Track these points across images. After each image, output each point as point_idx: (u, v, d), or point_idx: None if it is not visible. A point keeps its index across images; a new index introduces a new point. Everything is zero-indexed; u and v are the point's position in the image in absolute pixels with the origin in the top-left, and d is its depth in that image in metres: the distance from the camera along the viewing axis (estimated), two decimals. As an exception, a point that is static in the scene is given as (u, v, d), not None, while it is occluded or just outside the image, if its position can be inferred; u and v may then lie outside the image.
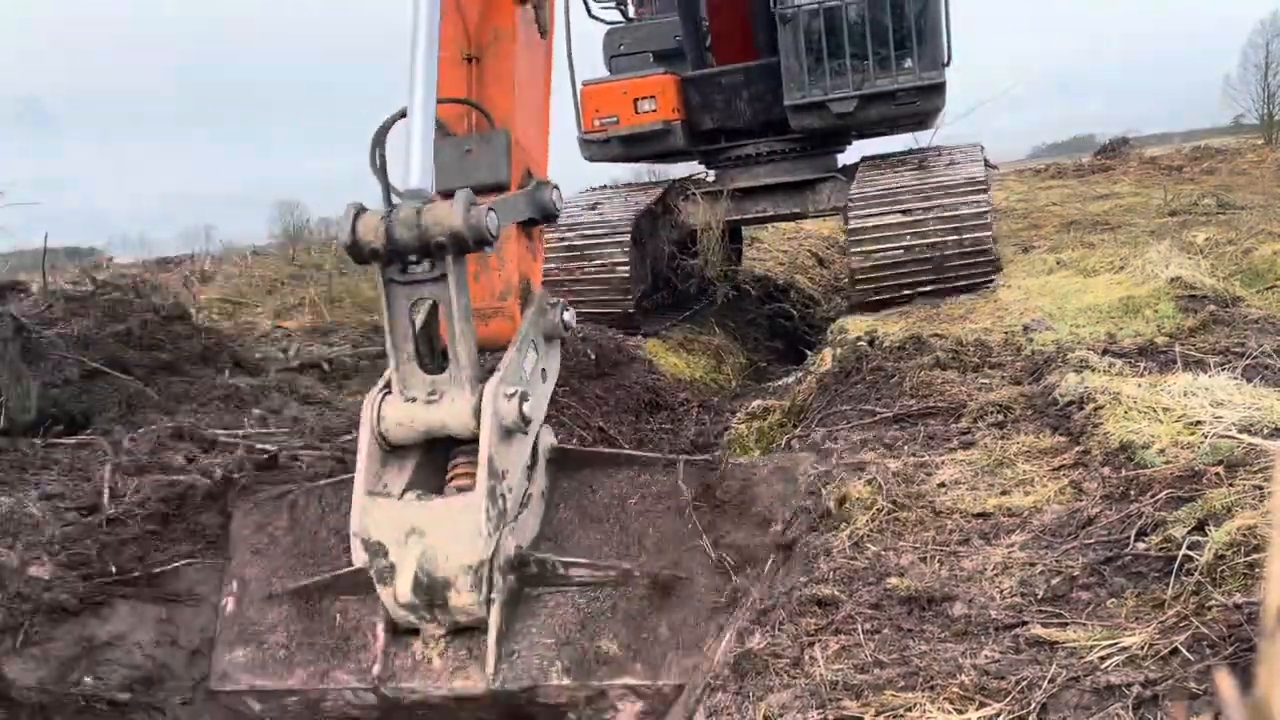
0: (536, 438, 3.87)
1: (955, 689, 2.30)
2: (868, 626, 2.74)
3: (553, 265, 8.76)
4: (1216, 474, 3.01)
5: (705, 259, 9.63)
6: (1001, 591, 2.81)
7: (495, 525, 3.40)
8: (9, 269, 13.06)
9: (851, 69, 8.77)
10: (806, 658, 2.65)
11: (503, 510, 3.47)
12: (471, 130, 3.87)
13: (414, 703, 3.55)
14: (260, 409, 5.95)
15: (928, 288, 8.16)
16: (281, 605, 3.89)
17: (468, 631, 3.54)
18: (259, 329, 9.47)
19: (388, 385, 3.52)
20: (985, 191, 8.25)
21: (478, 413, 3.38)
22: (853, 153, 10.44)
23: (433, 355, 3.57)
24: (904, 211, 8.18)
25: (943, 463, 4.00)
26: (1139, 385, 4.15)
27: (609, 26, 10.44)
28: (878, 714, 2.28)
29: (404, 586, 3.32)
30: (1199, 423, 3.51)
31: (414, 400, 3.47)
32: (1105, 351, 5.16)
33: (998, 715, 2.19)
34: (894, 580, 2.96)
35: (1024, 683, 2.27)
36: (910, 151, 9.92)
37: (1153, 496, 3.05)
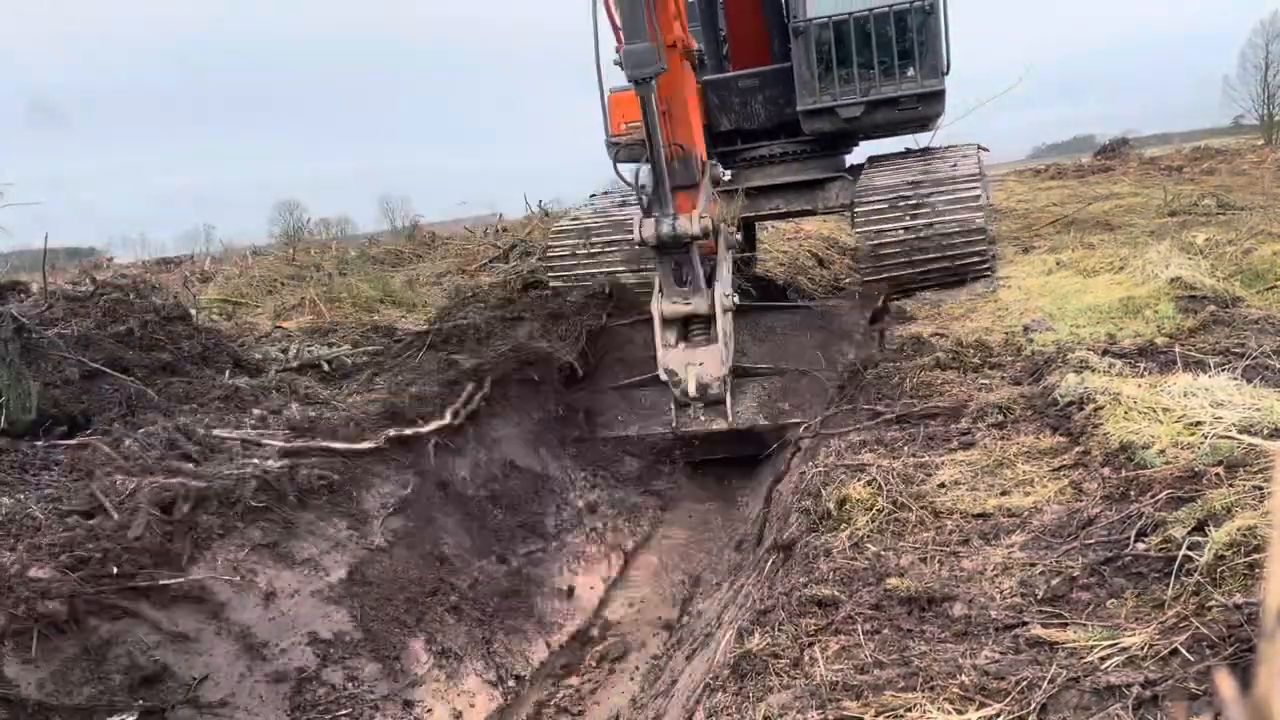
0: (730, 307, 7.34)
1: (955, 689, 2.30)
2: (868, 627, 2.74)
3: (584, 256, 10.16)
4: (1216, 474, 3.01)
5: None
6: (1001, 592, 2.81)
7: (729, 355, 7.12)
8: (9, 269, 13.06)
9: (859, 77, 9.63)
10: (806, 658, 2.65)
11: (729, 350, 7.15)
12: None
13: (691, 436, 7.52)
14: (260, 409, 5.95)
15: (929, 270, 8.98)
16: (618, 395, 8.04)
17: (715, 404, 7.30)
18: (259, 329, 9.47)
19: (658, 289, 7.14)
20: (980, 185, 9.00)
21: (712, 303, 6.98)
22: (859, 154, 11.14)
23: (680, 280, 7.12)
24: (906, 201, 9.01)
25: (943, 463, 4.00)
26: (1139, 386, 4.15)
27: None
28: (878, 714, 2.28)
29: (690, 389, 6.98)
30: (1199, 423, 3.51)
31: (675, 301, 7.09)
32: (1105, 352, 5.16)
33: (997, 715, 2.19)
34: (894, 581, 2.96)
35: (1024, 683, 2.27)
36: (912, 151, 10.55)
37: (1153, 497, 3.05)
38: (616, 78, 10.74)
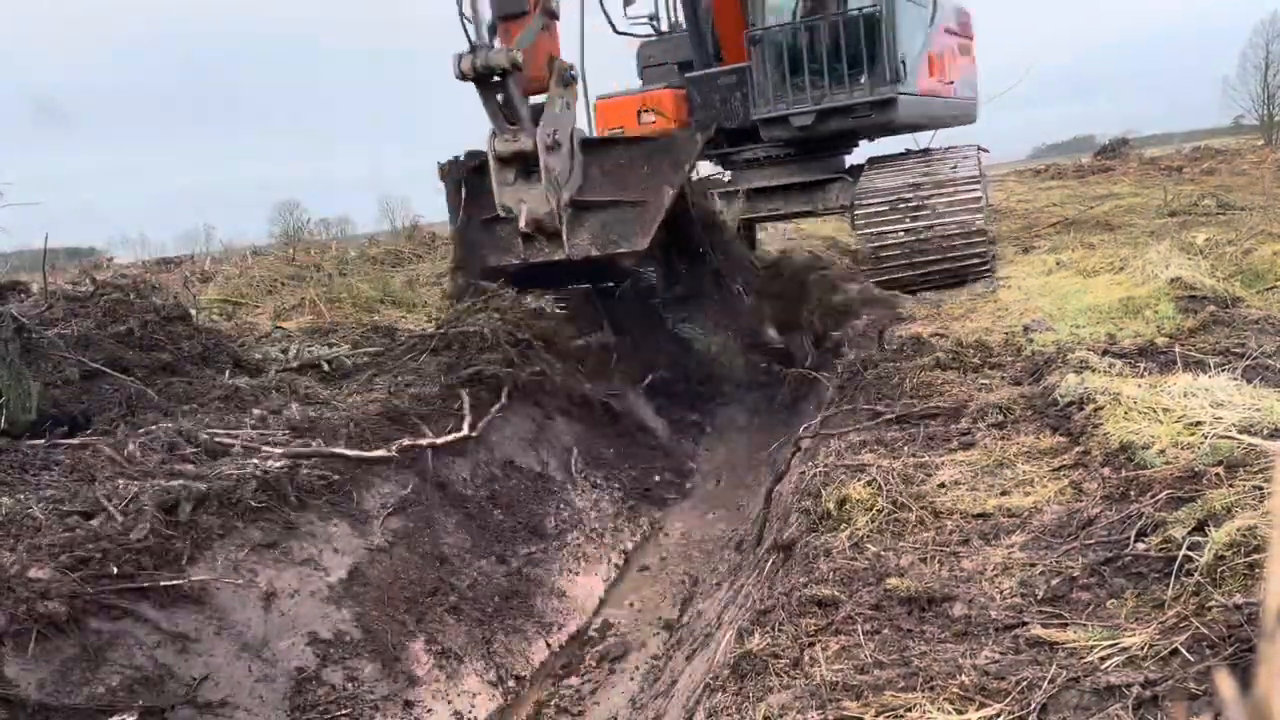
0: (572, 132, 7.73)
1: (955, 689, 2.30)
2: (868, 627, 2.74)
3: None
4: (1216, 474, 3.01)
5: (721, 252, 10.35)
6: (1001, 592, 2.81)
7: (555, 191, 7.43)
8: (9, 269, 13.07)
9: (811, 85, 9.61)
10: (806, 658, 2.65)
11: (557, 183, 7.44)
12: None
13: (537, 264, 7.90)
14: (260, 409, 5.95)
15: (929, 272, 9.03)
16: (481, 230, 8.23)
17: (556, 236, 7.70)
18: (259, 329, 9.47)
19: (494, 134, 7.45)
20: (980, 187, 9.13)
21: (535, 141, 7.25)
22: (859, 154, 11.30)
23: (512, 120, 7.36)
24: (906, 204, 9.05)
25: (943, 463, 4.00)
26: (1139, 386, 4.15)
27: (641, 40, 11.51)
28: (877, 714, 2.28)
29: (521, 223, 7.50)
30: (1199, 423, 3.51)
31: (505, 139, 7.35)
32: (1105, 352, 5.16)
33: (997, 715, 2.19)
34: (894, 581, 2.96)
35: (1024, 683, 2.27)
36: (912, 152, 10.59)
37: (1153, 497, 3.05)
38: (602, 84, 11.10)
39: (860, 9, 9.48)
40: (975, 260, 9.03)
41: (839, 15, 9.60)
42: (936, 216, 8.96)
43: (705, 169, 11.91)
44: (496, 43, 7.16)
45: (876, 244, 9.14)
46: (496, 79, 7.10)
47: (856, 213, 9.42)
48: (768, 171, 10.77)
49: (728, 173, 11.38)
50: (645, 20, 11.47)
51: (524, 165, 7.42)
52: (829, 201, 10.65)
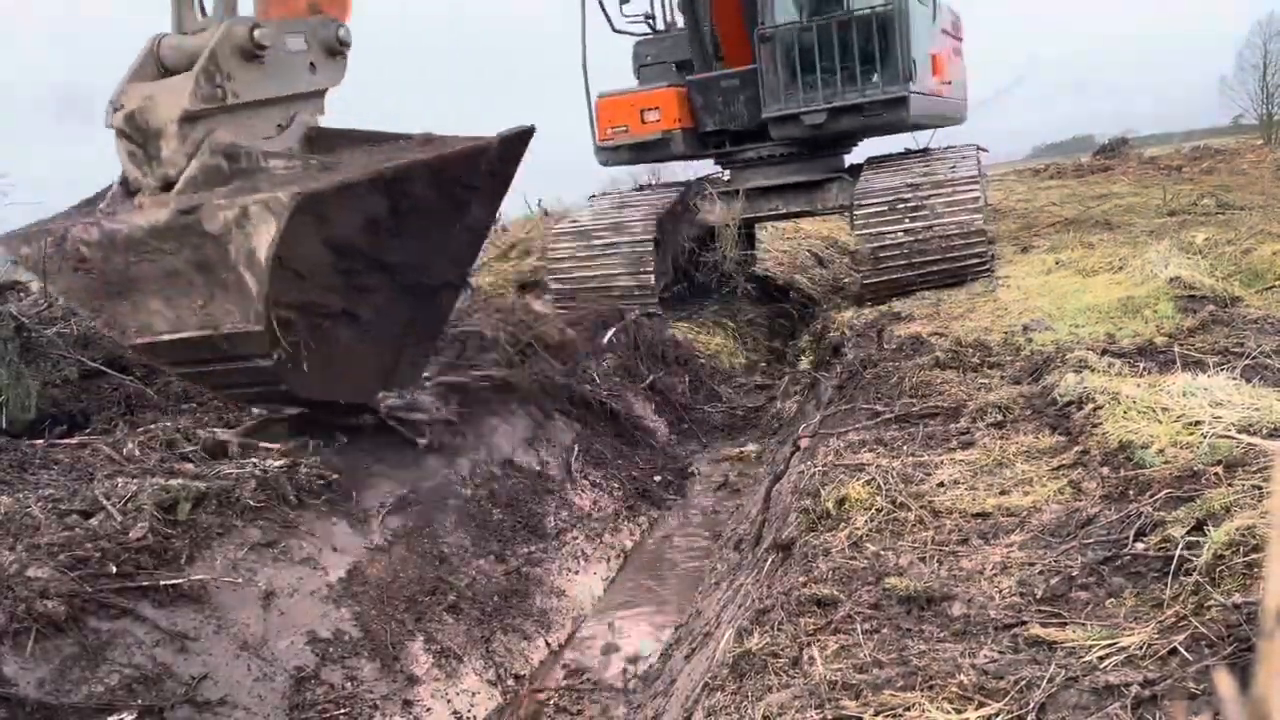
0: (296, 117, 4.96)
1: (954, 689, 2.30)
2: (866, 626, 2.74)
3: (584, 258, 10.11)
4: (1215, 474, 3.02)
5: (723, 253, 10.64)
6: (1000, 591, 2.81)
7: (206, 100, 4.46)
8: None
9: (823, 84, 9.62)
10: (805, 657, 2.65)
11: (220, 95, 4.52)
12: None
13: None
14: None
15: (928, 272, 9.01)
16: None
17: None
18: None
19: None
20: (979, 186, 9.18)
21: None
22: (858, 154, 11.40)
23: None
24: (905, 204, 9.05)
25: (942, 463, 4.00)
26: (1138, 385, 4.15)
27: (637, 39, 11.45)
28: (876, 714, 2.28)
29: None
30: (1198, 423, 3.52)
31: (185, 34, 4.70)
32: (1104, 352, 5.16)
33: (996, 715, 2.19)
34: (893, 580, 2.96)
35: (1023, 682, 2.27)
36: (912, 152, 10.69)
37: (1152, 496, 3.05)
38: (603, 82, 10.84)
39: (873, 7, 9.45)
40: (974, 260, 9.03)
41: (851, 14, 9.58)
42: (935, 216, 8.95)
43: (705, 168, 12.10)
44: None
45: (875, 244, 9.09)
46: None
47: (856, 213, 9.40)
48: (767, 171, 10.76)
49: (726, 172, 11.39)
50: (641, 19, 11.46)
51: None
52: (828, 201, 10.67)
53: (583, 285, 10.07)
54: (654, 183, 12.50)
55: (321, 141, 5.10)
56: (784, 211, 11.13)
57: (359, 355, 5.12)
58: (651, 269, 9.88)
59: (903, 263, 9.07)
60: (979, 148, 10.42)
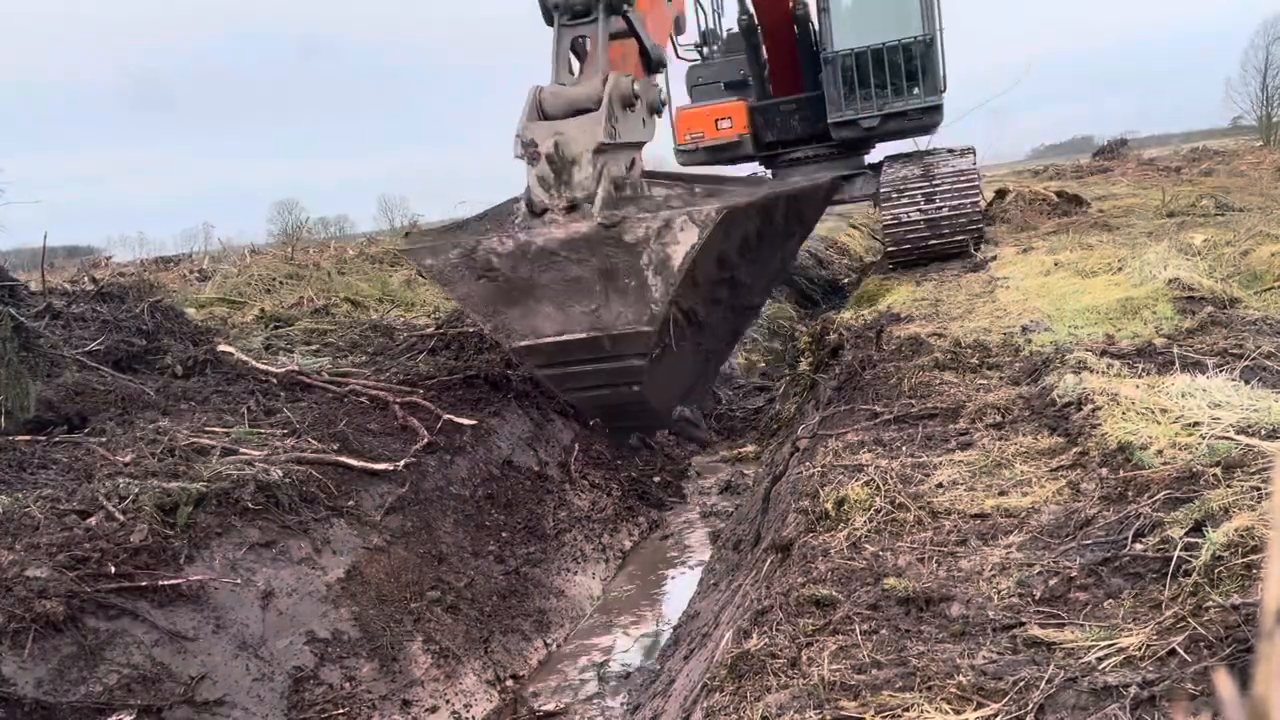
0: (635, 159, 5.90)
1: (953, 689, 2.30)
2: (865, 627, 2.74)
3: None
4: (1214, 475, 3.02)
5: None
6: (999, 592, 2.81)
7: (609, 135, 5.36)
8: (9, 268, 13.01)
9: (875, 95, 12.10)
10: (804, 658, 2.65)
11: (614, 135, 5.44)
12: None
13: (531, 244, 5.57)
14: (257, 409, 5.95)
15: (938, 243, 11.42)
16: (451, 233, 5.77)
17: (581, 202, 5.43)
18: (257, 328, 9.46)
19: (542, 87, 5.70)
20: (976, 177, 11.68)
21: (605, 82, 5.49)
22: (872, 154, 13.79)
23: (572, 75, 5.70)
24: (921, 191, 11.42)
25: (941, 464, 4.00)
26: (1137, 386, 4.15)
27: (689, 64, 14.10)
28: (875, 714, 2.28)
29: (543, 150, 5.48)
30: (1197, 424, 3.52)
31: (562, 85, 5.63)
32: (1103, 353, 5.16)
33: (995, 716, 2.19)
34: (892, 581, 2.96)
35: (1021, 683, 2.27)
36: (920, 152, 12.89)
37: (1150, 497, 3.05)
38: (683, 97, 13.19)
39: (918, 36, 11.90)
40: (974, 235, 11.49)
41: (898, 40, 11.92)
42: (944, 200, 11.28)
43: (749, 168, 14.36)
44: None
45: (897, 222, 11.48)
46: (589, 16, 5.86)
47: (882, 200, 11.70)
48: (805, 169, 12.95)
49: (769, 172, 13.58)
50: (693, 48, 13.98)
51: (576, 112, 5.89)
52: (855, 192, 13.03)
53: None
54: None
55: (654, 180, 6.07)
56: None
57: (684, 366, 5.86)
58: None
59: (916, 236, 11.40)
60: (972, 148, 12.53)
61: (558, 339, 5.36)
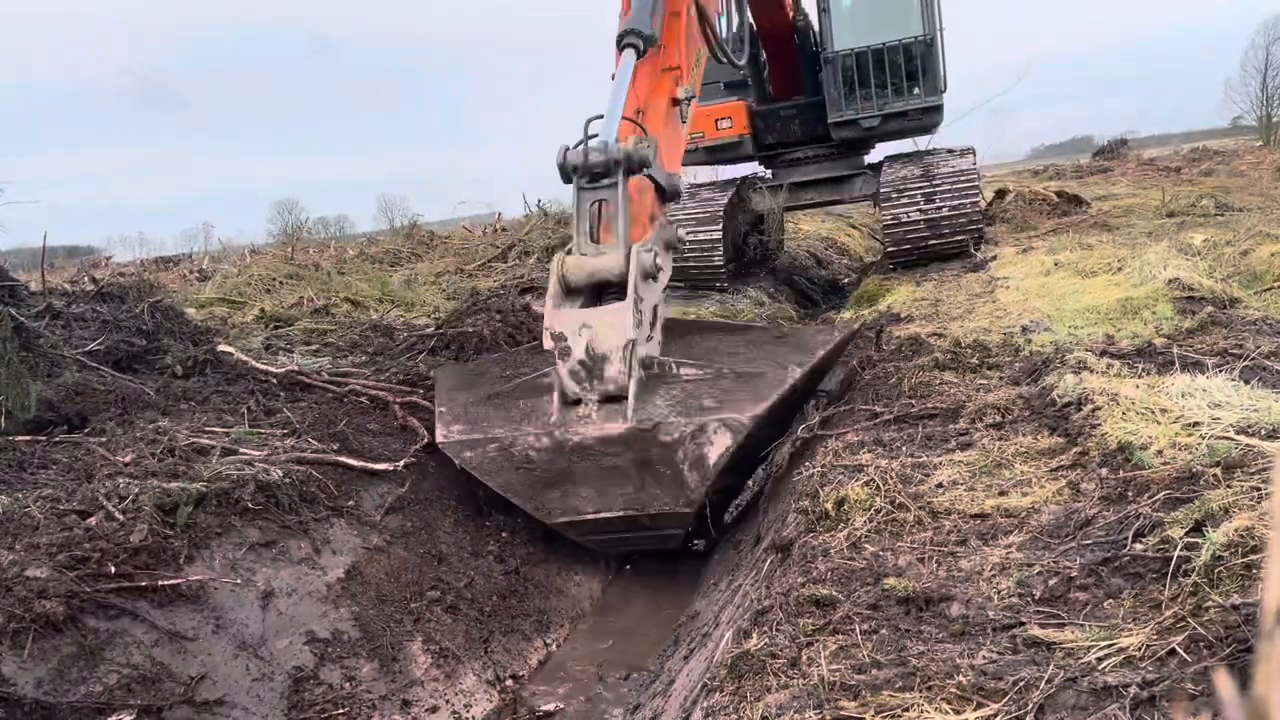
0: (656, 308, 5.88)
1: (953, 689, 2.30)
2: (865, 627, 2.74)
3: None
4: (1214, 475, 3.02)
5: (770, 234, 13.71)
6: (999, 592, 2.81)
7: (635, 324, 5.39)
8: (9, 268, 13.01)
9: (875, 95, 12.10)
10: (804, 658, 2.65)
11: (639, 320, 5.47)
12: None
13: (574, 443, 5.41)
14: (256, 409, 5.95)
15: (937, 243, 11.46)
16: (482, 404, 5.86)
17: (615, 399, 5.38)
18: (256, 328, 9.46)
19: (568, 250, 5.69)
20: (975, 177, 11.75)
21: (627, 260, 5.46)
22: (872, 154, 13.86)
23: (595, 239, 5.71)
24: (920, 191, 11.49)
25: (941, 464, 4.00)
26: (1137, 386, 4.15)
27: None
28: (875, 714, 2.28)
29: (578, 351, 5.36)
30: (1197, 424, 3.52)
31: (585, 255, 5.60)
32: (1103, 353, 5.16)
33: (995, 716, 2.19)
34: (892, 581, 2.96)
35: (1021, 683, 2.27)
36: (920, 152, 12.91)
37: (1150, 497, 3.05)
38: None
39: (918, 36, 11.90)
40: (974, 235, 11.48)
41: (898, 40, 11.93)
42: (944, 200, 11.33)
43: (750, 169, 14.65)
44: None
45: (897, 222, 11.50)
46: (608, 178, 5.68)
47: (882, 200, 11.72)
48: (805, 169, 13.21)
49: (769, 171, 13.81)
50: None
51: (596, 299, 5.72)
52: (854, 191, 13.15)
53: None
54: (714, 181, 14.78)
55: (676, 330, 6.25)
56: (818, 201, 13.74)
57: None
58: (721, 252, 12.08)
59: (917, 236, 11.45)
60: (972, 148, 12.52)
61: (598, 516, 5.51)
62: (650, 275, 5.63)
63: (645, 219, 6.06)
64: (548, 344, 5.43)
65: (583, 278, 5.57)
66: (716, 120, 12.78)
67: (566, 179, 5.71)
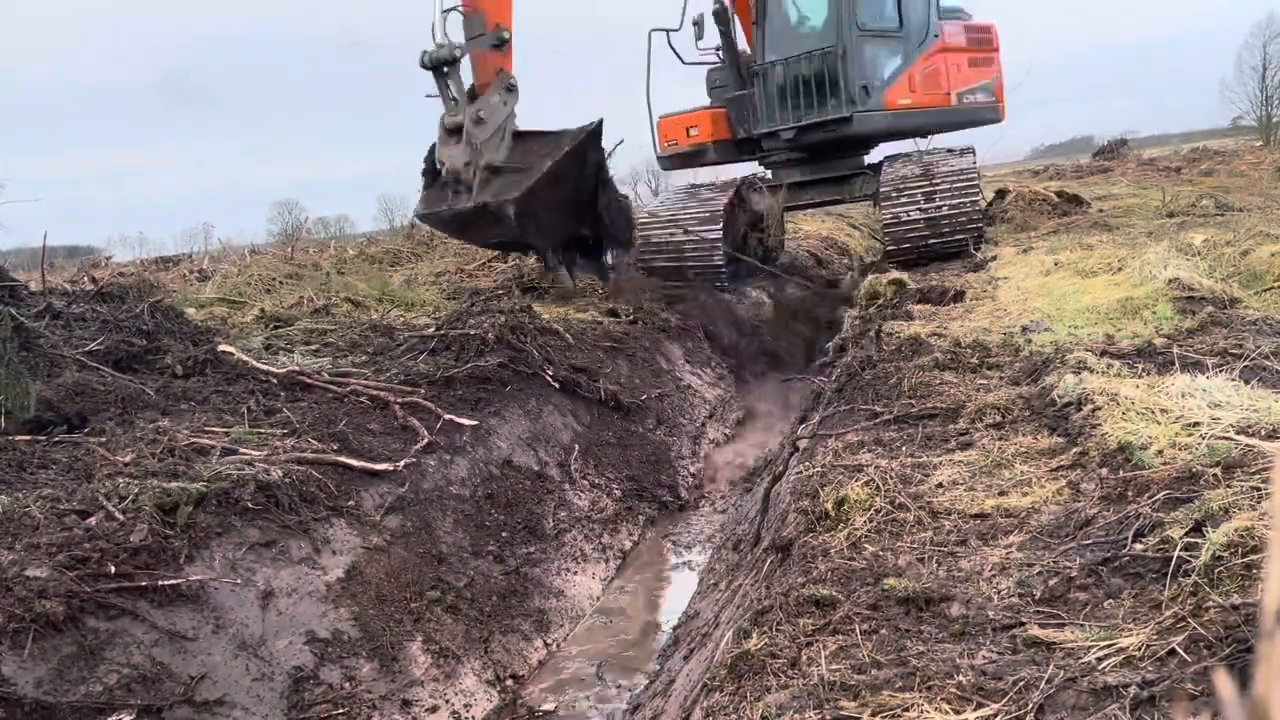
0: (505, 121, 10.10)
1: (952, 689, 2.30)
2: (865, 627, 2.74)
3: (665, 238, 12.76)
4: (1214, 475, 3.02)
5: (770, 234, 13.85)
6: (999, 592, 2.81)
7: (473, 154, 9.85)
8: (9, 267, 12.99)
9: (793, 106, 12.51)
10: (804, 658, 2.65)
11: (477, 149, 9.82)
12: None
13: (458, 212, 10.25)
14: (257, 409, 5.94)
15: (938, 243, 11.55)
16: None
17: (469, 189, 10.01)
18: (256, 328, 9.45)
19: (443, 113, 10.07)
20: (975, 176, 11.88)
21: (464, 116, 9.84)
22: (873, 154, 14.03)
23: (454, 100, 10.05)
24: (921, 190, 11.62)
25: (941, 464, 4.00)
26: (1137, 386, 4.15)
27: (709, 68, 14.63)
28: (875, 714, 2.28)
29: (443, 172, 10.37)
30: (1197, 424, 3.52)
31: (449, 114, 9.94)
32: (1103, 353, 5.16)
33: (995, 716, 2.19)
34: (892, 581, 2.96)
35: (1021, 683, 2.27)
36: (920, 151, 12.96)
37: (1150, 497, 3.05)
38: (664, 105, 13.84)
39: (822, 49, 12.17)
40: (974, 234, 11.60)
41: (815, 51, 12.29)
42: (944, 199, 11.48)
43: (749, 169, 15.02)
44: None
45: (897, 222, 11.62)
46: (445, 69, 9.70)
47: (881, 200, 11.86)
48: (803, 169, 13.52)
49: (768, 171, 14.07)
50: (713, 51, 14.15)
51: (459, 134, 9.79)
52: (854, 191, 13.36)
53: (665, 264, 12.53)
54: (715, 181, 15.05)
55: (519, 139, 10.10)
56: (818, 201, 14.06)
57: (547, 220, 10.66)
58: (721, 245, 12.35)
59: (917, 235, 11.55)
60: (972, 148, 12.67)
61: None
62: (477, 122, 9.70)
63: (488, 75, 9.96)
64: (439, 166, 10.08)
65: (451, 125, 9.85)
66: (687, 128, 13.64)
67: (426, 68, 9.59)
